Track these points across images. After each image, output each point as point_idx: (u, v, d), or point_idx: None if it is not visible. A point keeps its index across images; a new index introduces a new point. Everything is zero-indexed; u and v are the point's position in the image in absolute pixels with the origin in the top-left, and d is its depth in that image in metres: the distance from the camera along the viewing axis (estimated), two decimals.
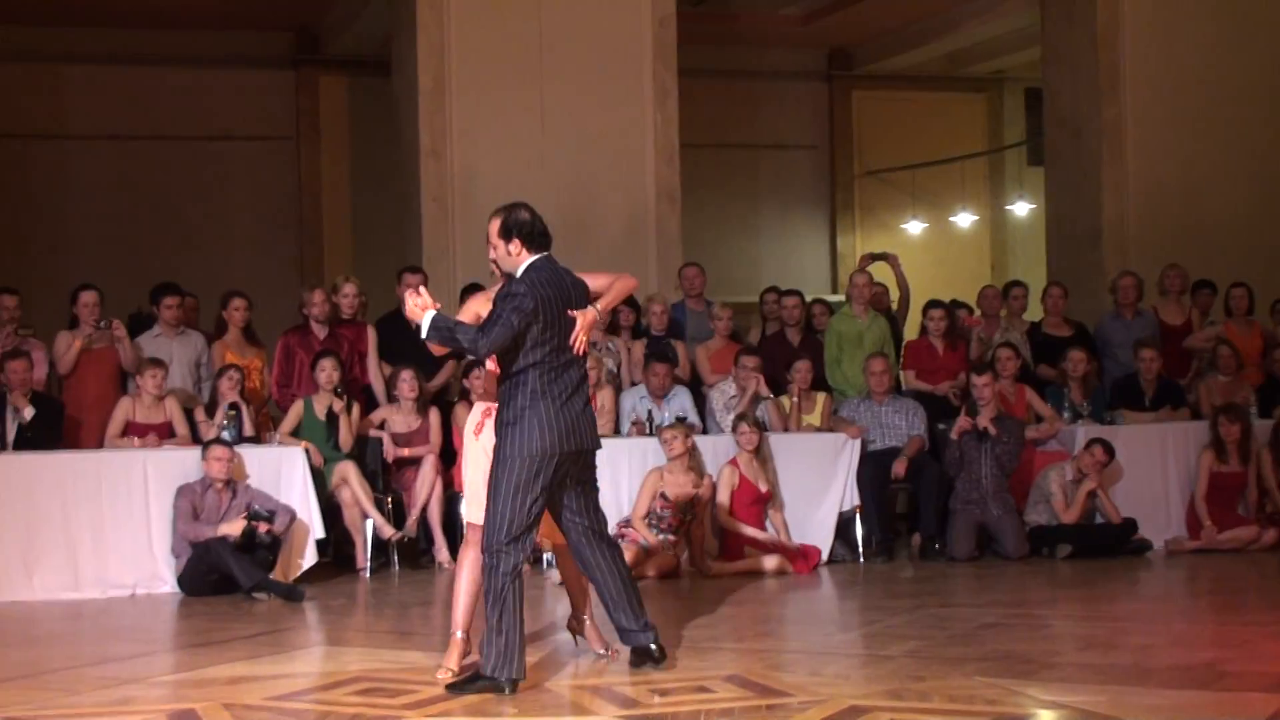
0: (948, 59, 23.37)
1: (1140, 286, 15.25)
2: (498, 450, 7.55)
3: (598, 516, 7.93)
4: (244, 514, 11.52)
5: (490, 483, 7.55)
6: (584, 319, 7.66)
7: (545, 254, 7.70)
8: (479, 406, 8.05)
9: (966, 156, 23.74)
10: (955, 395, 14.08)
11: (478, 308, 7.85)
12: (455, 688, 7.36)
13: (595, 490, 7.98)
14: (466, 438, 8.05)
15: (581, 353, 7.69)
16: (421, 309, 7.40)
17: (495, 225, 7.69)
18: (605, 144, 16.38)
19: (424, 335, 7.42)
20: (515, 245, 7.64)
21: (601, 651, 8.23)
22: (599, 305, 7.79)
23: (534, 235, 7.67)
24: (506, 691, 7.26)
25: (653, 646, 7.82)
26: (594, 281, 7.91)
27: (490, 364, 7.82)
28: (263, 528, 11.45)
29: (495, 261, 7.78)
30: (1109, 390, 14.47)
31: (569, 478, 7.72)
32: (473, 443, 7.95)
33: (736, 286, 19.90)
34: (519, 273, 7.63)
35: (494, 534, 7.44)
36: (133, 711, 6.95)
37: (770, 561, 12.30)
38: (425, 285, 13.48)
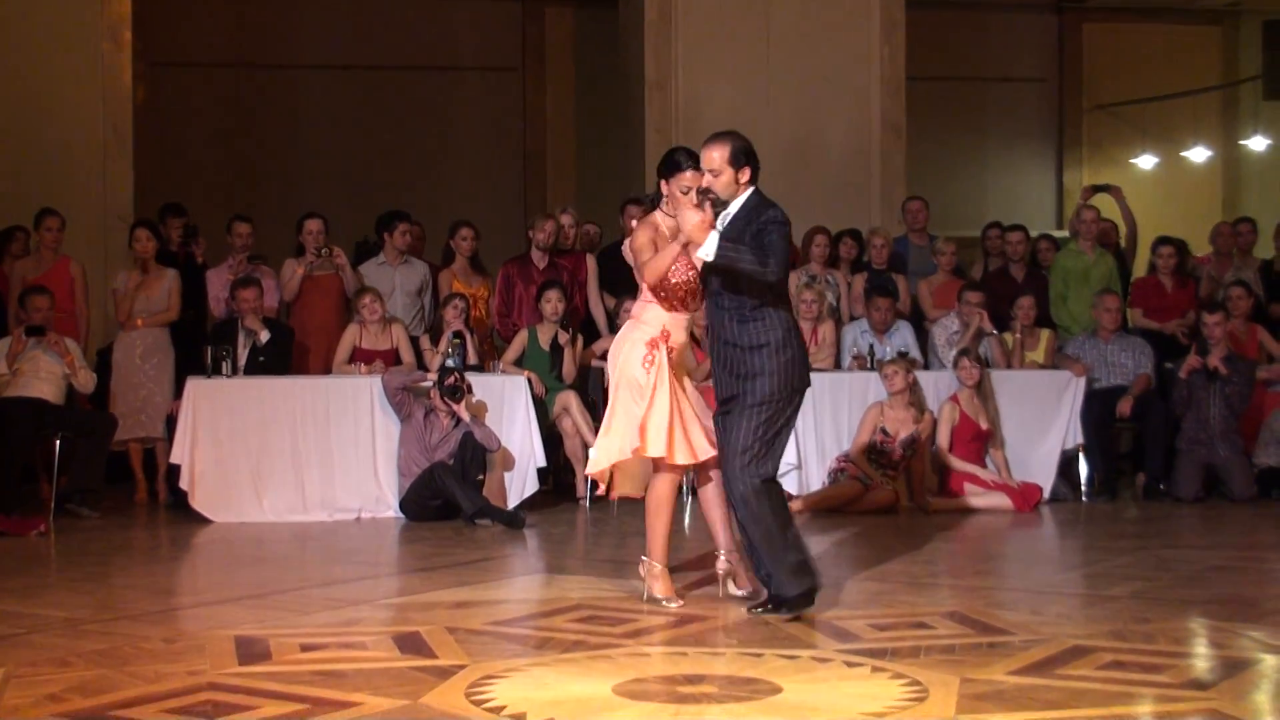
0: None
1: None
2: (760, 385, 7.36)
3: None
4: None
5: (752, 417, 7.36)
6: None
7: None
8: (639, 336, 7.74)
9: (1200, 90, 23.18)
10: (1184, 334, 13.83)
11: (651, 235, 7.67)
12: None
13: None
14: (634, 373, 7.71)
15: None
16: (705, 227, 7.22)
17: (725, 151, 7.41)
18: (830, 76, 16.30)
19: (710, 256, 7.17)
20: (746, 173, 7.46)
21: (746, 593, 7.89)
22: None
23: (758, 166, 7.54)
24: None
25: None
26: None
27: (647, 295, 7.74)
28: (454, 379, 11.80)
29: (705, 190, 7.45)
30: None
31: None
32: (645, 378, 7.66)
33: (960, 221, 19.70)
34: (742, 201, 7.42)
35: (759, 466, 7.36)
36: (359, 633, 7.06)
37: (990, 499, 12.20)
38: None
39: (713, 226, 7.23)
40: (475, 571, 9.17)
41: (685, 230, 7.23)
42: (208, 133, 20.26)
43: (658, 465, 7.75)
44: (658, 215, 7.77)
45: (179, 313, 13.20)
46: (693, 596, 7.95)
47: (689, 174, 7.60)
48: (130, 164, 15.64)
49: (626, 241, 7.98)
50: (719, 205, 7.47)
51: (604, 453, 7.81)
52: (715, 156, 7.45)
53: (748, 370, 7.38)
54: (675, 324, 7.72)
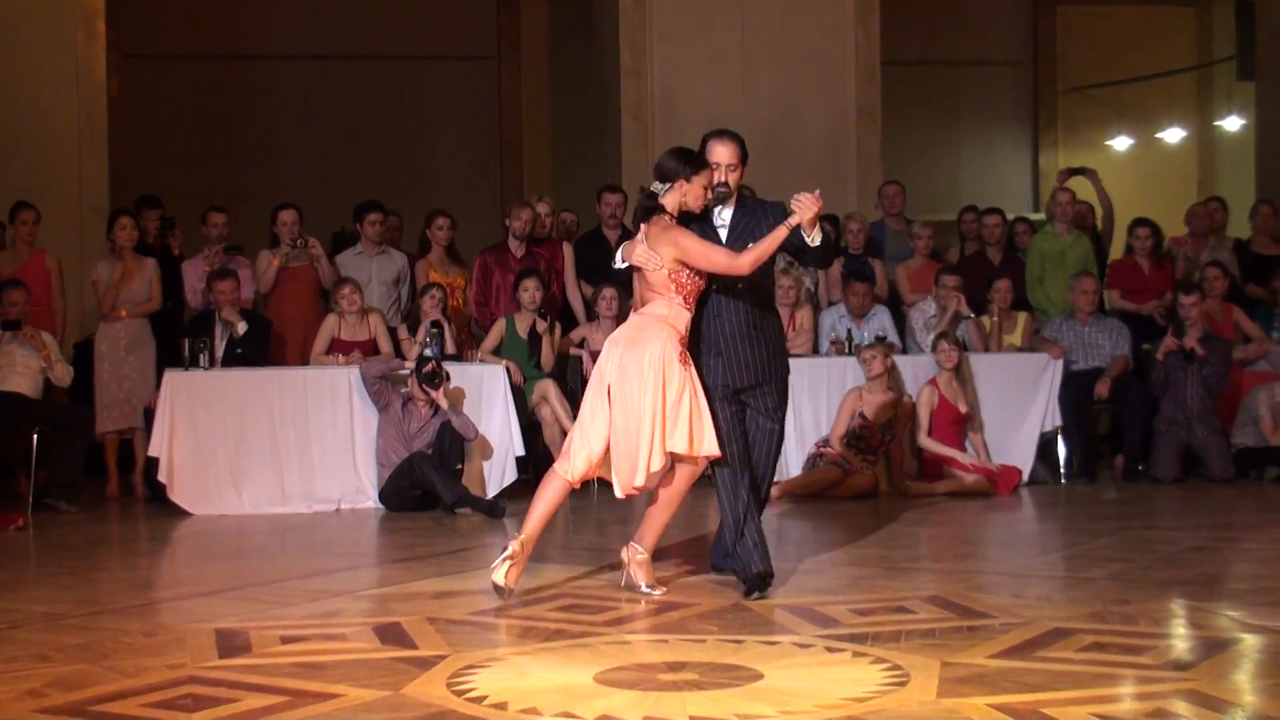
0: None
1: None
2: (785, 368, 7.89)
3: None
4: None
5: (786, 401, 7.93)
6: None
7: None
8: (670, 335, 7.55)
9: (1174, 72, 23.20)
10: (1161, 315, 13.86)
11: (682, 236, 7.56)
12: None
13: None
14: (669, 366, 7.50)
15: None
16: (817, 215, 7.39)
17: (739, 149, 7.65)
18: (806, 61, 16.29)
19: (816, 242, 7.45)
20: (745, 170, 7.75)
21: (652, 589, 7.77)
22: None
23: None
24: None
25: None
26: None
27: (674, 298, 7.64)
28: (431, 367, 11.80)
29: (721, 185, 7.56)
30: None
31: None
32: (681, 372, 7.52)
33: (936, 205, 19.70)
34: (738, 196, 7.73)
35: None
36: (340, 624, 7.05)
37: (969, 482, 12.22)
38: (625, 205, 13.64)
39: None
40: (456, 561, 9.16)
41: (804, 218, 7.31)
42: (182, 124, 20.20)
43: (680, 459, 7.67)
44: (666, 218, 7.68)
45: (161, 303, 13.17)
46: (673, 584, 7.96)
47: (708, 171, 7.65)
48: (105, 156, 15.62)
49: (638, 250, 7.67)
50: (723, 200, 7.56)
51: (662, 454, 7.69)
52: (730, 153, 7.64)
53: (773, 355, 7.79)
54: (688, 324, 7.69)
